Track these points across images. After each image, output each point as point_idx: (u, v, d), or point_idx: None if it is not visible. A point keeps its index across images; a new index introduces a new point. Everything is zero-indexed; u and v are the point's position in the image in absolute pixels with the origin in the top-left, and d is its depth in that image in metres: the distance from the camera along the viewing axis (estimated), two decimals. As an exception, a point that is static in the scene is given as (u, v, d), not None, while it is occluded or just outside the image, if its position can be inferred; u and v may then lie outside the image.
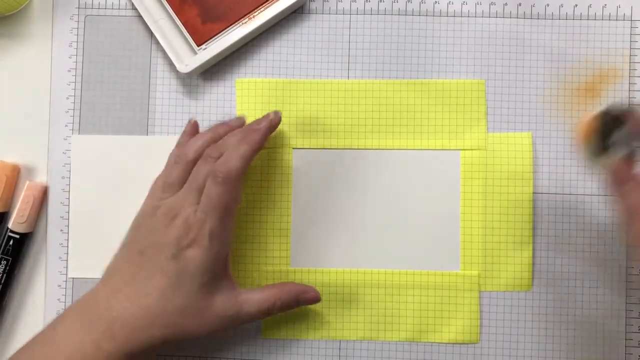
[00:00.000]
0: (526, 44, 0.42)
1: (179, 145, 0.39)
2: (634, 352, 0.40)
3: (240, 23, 0.41)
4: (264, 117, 0.38)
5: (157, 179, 0.38)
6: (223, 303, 0.35)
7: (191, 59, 0.40)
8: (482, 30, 0.42)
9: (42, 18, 0.43)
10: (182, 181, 0.36)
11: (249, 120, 0.40)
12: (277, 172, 0.41)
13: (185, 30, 0.41)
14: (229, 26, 0.41)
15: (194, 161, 0.36)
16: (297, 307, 0.38)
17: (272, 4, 0.40)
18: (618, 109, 0.34)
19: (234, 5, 0.41)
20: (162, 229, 0.34)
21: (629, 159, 0.32)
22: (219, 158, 0.35)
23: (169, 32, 0.41)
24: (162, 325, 0.34)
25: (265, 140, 0.37)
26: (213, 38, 0.40)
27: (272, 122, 0.38)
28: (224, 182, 0.34)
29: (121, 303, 0.34)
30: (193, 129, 0.40)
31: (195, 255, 0.34)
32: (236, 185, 0.35)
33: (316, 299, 0.38)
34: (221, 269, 0.36)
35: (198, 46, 0.40)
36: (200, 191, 0.35)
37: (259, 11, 0.41)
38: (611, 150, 0.33)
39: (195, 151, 0.36)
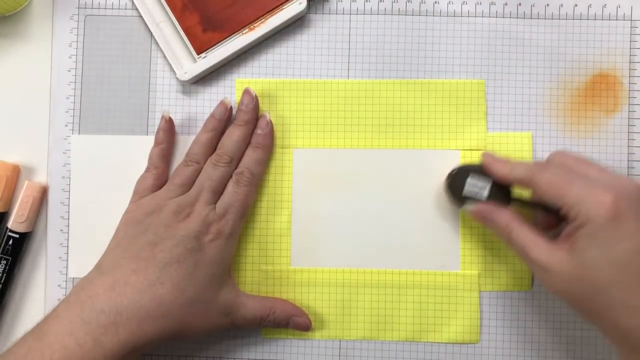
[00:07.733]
0: (526, 44, 0.42)
1: (157, 141, 0.40)
2: (634, 352, 0.40)
3: (241, 33, 0.40)
4: (261, 117, 0.40)
5: (144, 179, 0.39)
6: (225, 298, 0.37)
7: (191, 66, 0.40)
8: (482, 30, 0.42)
9: (42, 18, 0.43)
10: (192, 182, 0.38)
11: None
12: (277, 172, 0.41)
13: (186, 38, 0.41)
14: (229, 36, 0.41)
15: (203, 163, 0.39)
16: (286, 327, 0.39)
17: (272, 16, 0.40)
18: (465, 166, 0.39)
19: (234, 15, 0.40)
20: (176, 224, 0.36)
21: (486, 201, 0.37)
22: (229, 162, 0.38)
23: (169, 36, 0.41)
24: (172, 316, 0.35)
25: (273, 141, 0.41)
26: (213, 47, 0.40)
27: (271, 123, 0.41)
28: (247, 185, 0.38)
29: (128, 295, 0.34)
30: (168, 126, 0.41)
31: (215, 246, 0.37)
32: (256, 188, 0.40)
33: (306, 326, 0.39)
34: (229, 264, 0.38)
35: (198, 54, 0.40)
36: (215, 192, 0.38)
37: (260, 22, 0.40)
38: (469, 199, 0.37)
39: (204, 155, 0.39)
